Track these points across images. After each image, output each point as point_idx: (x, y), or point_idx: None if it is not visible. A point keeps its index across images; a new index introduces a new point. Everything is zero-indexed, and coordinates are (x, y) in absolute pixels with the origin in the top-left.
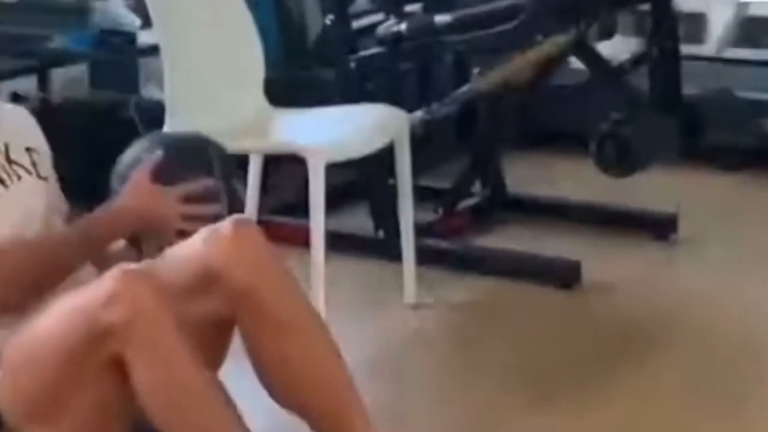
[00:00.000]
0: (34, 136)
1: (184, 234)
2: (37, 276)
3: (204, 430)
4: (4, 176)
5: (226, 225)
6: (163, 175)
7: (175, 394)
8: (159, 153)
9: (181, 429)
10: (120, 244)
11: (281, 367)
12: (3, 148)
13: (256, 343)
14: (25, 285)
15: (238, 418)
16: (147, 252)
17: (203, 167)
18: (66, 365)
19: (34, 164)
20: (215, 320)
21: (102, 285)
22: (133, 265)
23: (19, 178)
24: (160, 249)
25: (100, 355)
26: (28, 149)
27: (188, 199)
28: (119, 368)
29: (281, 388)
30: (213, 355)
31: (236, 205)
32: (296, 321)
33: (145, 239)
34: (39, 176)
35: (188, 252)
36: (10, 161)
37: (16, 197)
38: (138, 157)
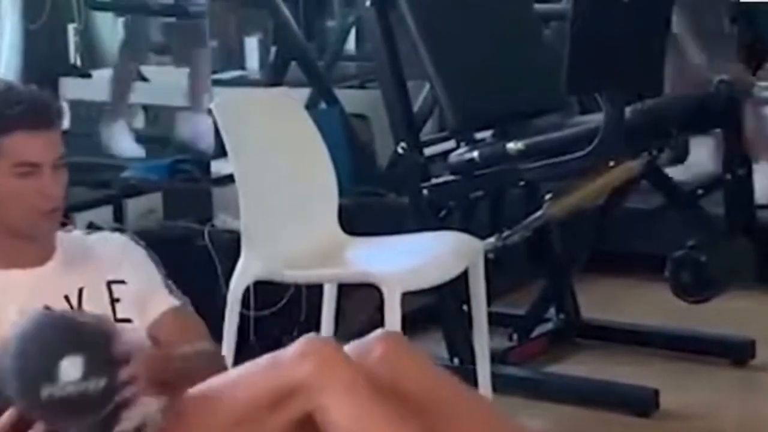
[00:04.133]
0: (124, 267)
1: None
2: None
3: None
4: None
5: (374, 338)
6: None
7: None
8: None
9: None
10: None
11: None
12: (76, 296)
13: None
14: None
15: None
16: None
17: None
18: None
19: (113, 302)
20: None
21: (287, 351)
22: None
23: None
24: None
25: (284, 416)
26: (109, 283)
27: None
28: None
29: None
30: None
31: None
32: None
33: None
34: (116, 318)
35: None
36: (80, 309)
37: None
38: None
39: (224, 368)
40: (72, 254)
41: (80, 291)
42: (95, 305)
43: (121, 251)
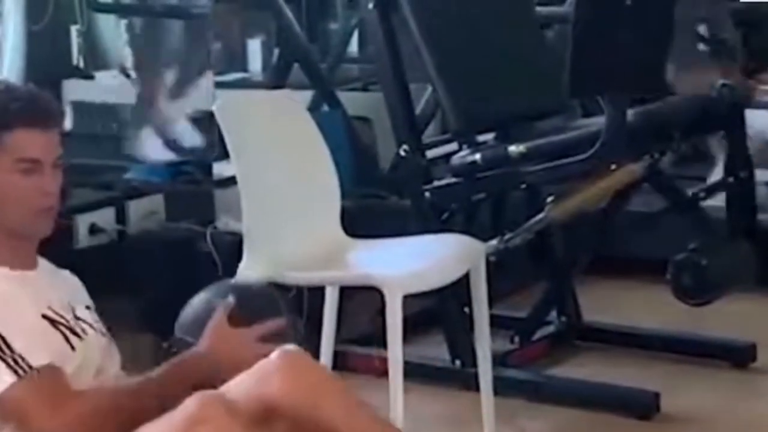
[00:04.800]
0: (88, 297)
1: None
2: (118, 421)
3: None
4: (78, 330)
5: (273, 357)
6: (238, 318)
7: None
8: (231, 299)
9: None
10: None
11: None
12: (69, 306)
13: None
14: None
15: None
16: None
17: (273, 308)
18: None
19: (96, 321)
20: None
21: (182, 410)
22: (209, 392)
23: (86, 333)
24: None
25: None
26: (87, 307)
27: (264, 339)
28: None
29: None
30: None
31: (300, 341)
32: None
33: None
34: (102, 333)
35: (246, 387)
36: (77, 318)
37: (91, 347)
38: (206, 307)
39: None
40: (50, 272)
41: (71, 304)
42: (85, 318)
43: (81, 285)
